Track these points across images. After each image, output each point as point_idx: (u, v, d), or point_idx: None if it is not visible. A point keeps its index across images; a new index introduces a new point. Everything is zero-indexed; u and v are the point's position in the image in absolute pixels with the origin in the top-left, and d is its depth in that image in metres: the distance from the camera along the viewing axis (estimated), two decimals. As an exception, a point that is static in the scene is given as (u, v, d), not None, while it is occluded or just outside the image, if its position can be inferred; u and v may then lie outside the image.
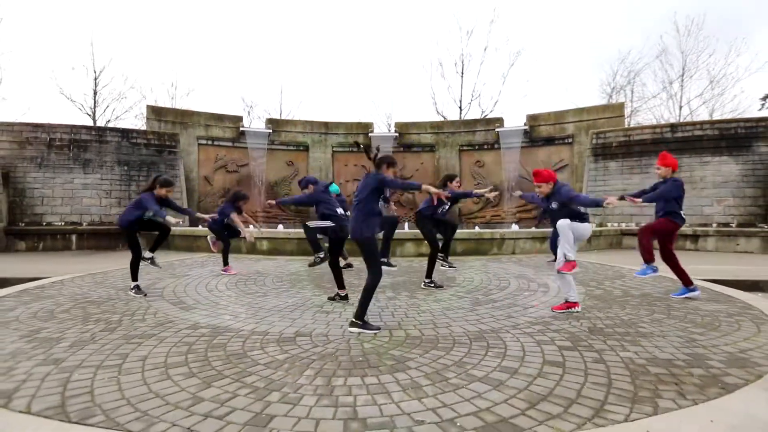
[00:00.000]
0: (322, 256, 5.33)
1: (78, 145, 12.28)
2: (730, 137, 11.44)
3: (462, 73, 23.99)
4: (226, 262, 7.17)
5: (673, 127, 12.52)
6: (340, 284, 5.01)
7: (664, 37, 36.51)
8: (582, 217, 4.51)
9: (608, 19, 38.83)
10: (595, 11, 38.80)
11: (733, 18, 31.64)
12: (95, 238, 11.58)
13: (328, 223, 4.96)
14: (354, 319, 3.73)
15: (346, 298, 4.97)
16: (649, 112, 23.95)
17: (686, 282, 5.06)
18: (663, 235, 5.05)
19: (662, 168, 5.12)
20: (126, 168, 12.71)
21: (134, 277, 5.44)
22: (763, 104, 24.80)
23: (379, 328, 3.72)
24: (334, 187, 7.92)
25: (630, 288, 5.70)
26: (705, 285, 5.82)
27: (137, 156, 13.01)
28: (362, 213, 3.89)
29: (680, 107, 22.88)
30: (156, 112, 14.99)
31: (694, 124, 12.37)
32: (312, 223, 5.28)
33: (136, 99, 31.67)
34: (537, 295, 5.31)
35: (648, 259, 5.03)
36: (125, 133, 13.27)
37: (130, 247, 5.46)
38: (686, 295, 5.00)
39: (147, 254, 5.67)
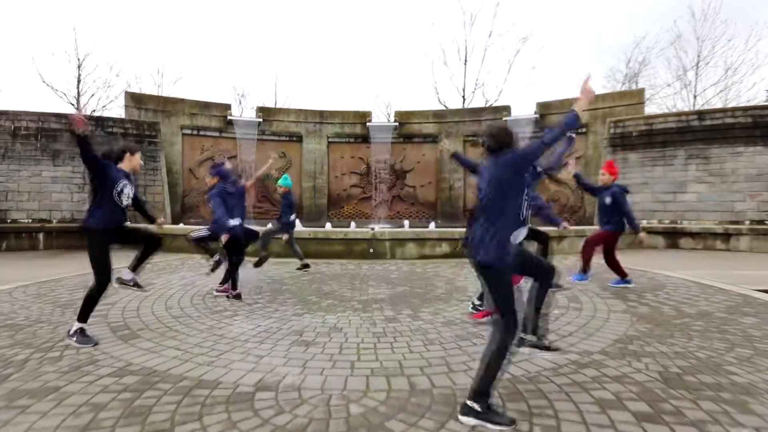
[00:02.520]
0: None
1: (46, 134, 11.17)
2: (766, 125, 10.33)
3: (465, 61, 22.72)
4: (232, 282, 5.07)
5: (701, 114, 11.39)
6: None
7: (678, 22, 34.63)
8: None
9: (618, 4, 37.39)
10: (602, -2, 37.34)
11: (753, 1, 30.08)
12: (65, 237, 10.51)
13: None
14: (467, 401, 2.24)
15: (238, 297, 4.95)
16: (662, 101, 22.76)
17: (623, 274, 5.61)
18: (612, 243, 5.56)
19: (607, 175, 5.44)
20: (101, 160, 11.61)
21: (84, 316, 3.45)
22: (769, 96, 23.57)
23: (513, 422, 2.16)
24: (285, 180, 7.49)
25: (680, 303, 4.68)
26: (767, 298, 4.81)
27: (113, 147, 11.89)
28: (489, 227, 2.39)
29: (695, 96, 21.71)
30: (136, 100, 13.83)
31: (724, 110, 11.23)
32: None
33: (122, 87, 30.30)
34: (569, 312, 4.28)
35: (587, 268, 5.57)
36: (99, 121, 12.14)
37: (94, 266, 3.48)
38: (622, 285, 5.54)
39: (126, 275, 3.86)
